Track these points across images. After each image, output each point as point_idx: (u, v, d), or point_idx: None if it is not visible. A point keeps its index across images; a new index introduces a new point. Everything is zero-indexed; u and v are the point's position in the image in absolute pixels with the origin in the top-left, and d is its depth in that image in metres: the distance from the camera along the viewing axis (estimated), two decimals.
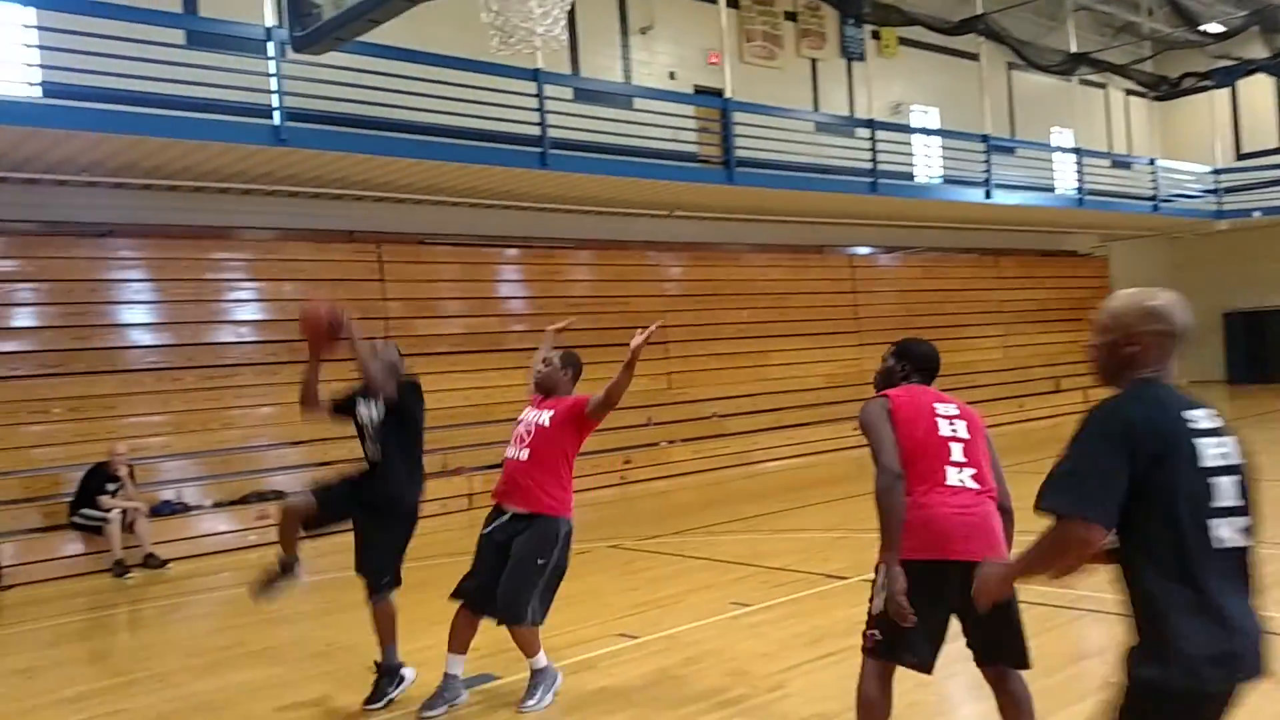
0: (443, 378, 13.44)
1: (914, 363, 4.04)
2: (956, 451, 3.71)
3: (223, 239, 12.33)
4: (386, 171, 11.91)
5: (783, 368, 17.27)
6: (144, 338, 11.57)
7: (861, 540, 9.18)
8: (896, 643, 3.61)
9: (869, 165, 16.34)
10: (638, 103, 15.08)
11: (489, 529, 5.10)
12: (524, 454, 5.05)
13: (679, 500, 12.72)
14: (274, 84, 10.55)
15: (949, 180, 18.73)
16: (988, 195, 18.12)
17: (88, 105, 9.84)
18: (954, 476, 3.67)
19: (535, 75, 12.42)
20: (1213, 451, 2.50)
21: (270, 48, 10.54)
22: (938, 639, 3.63)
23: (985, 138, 18.18)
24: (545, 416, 5.11)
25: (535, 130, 12.45)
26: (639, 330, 4.85)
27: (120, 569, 9.44)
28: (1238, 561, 2.50)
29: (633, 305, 15.48)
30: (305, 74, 10.79)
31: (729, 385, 16.32)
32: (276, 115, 10.53)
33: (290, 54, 9.37)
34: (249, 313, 12.26)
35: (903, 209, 17.99)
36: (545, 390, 5.28)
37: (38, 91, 10.46)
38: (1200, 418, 2.53)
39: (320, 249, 12.86)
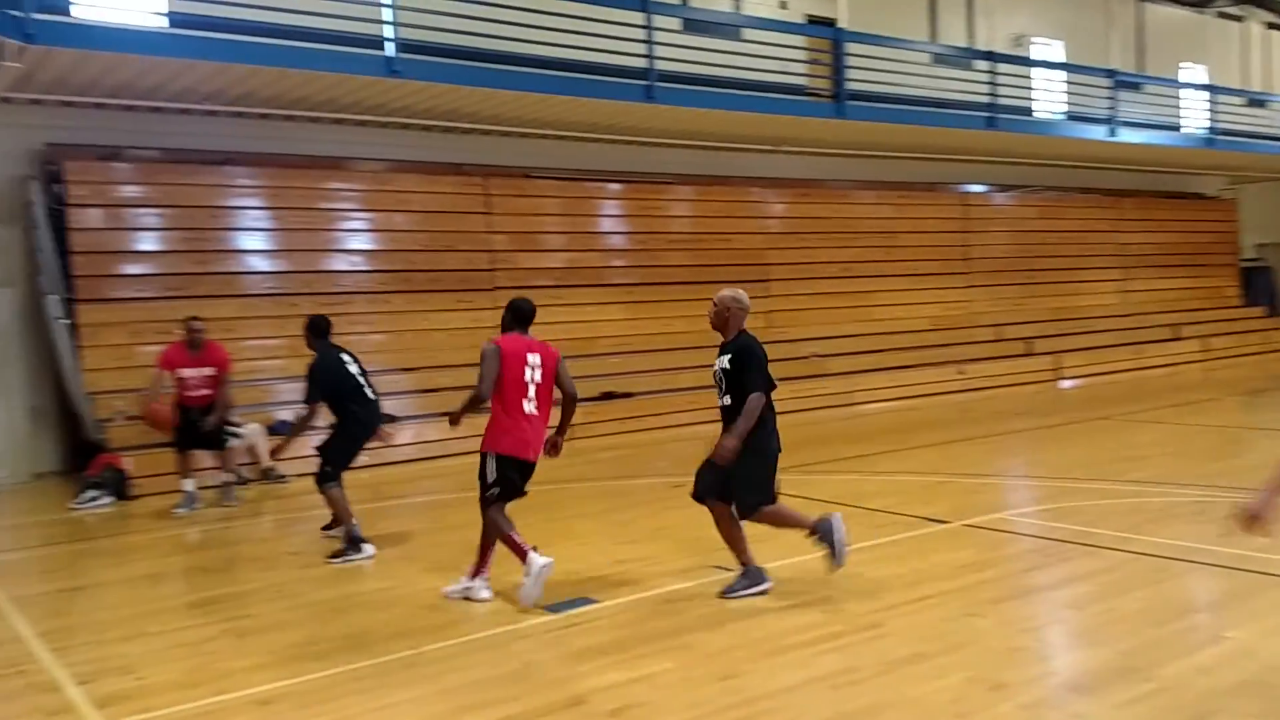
0: (544, 311, 13.55)
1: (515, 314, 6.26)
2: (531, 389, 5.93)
3: (336, 169, 12.63)
4: (494, 104, 11.98)
5: (886, 309, 16.95)
6: (261, 264, 11.98)
7: (962, 485, 9.06)
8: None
9: (987, 100, 15.75)
10: (746, 33, 14.77)
11: None
12: None
13: None
14: (387, 15, 10.67)
15: (1071, 117, 17.93)
16: (1112, 133, 17.32)
17: (209, 35, 10.12)
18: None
19: (644, 5, 12.27)
20: None
21: None
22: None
23: (1111, 73, 17.34)
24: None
25: (642, 63, 12.33)
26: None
27: (239, 483, 9.88)
28: None
29: (734, 242, 15.35)
30: (417, 4, 10.86)
31: (830, 325, 16.09)
32: (390, 47, 10.67)
33: None
34: (361, 242, 12.57)
35: (1021, 146, 17.32)
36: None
37: (164, 22, 10.80)
38: None
39: (429, 181, 13.06)
